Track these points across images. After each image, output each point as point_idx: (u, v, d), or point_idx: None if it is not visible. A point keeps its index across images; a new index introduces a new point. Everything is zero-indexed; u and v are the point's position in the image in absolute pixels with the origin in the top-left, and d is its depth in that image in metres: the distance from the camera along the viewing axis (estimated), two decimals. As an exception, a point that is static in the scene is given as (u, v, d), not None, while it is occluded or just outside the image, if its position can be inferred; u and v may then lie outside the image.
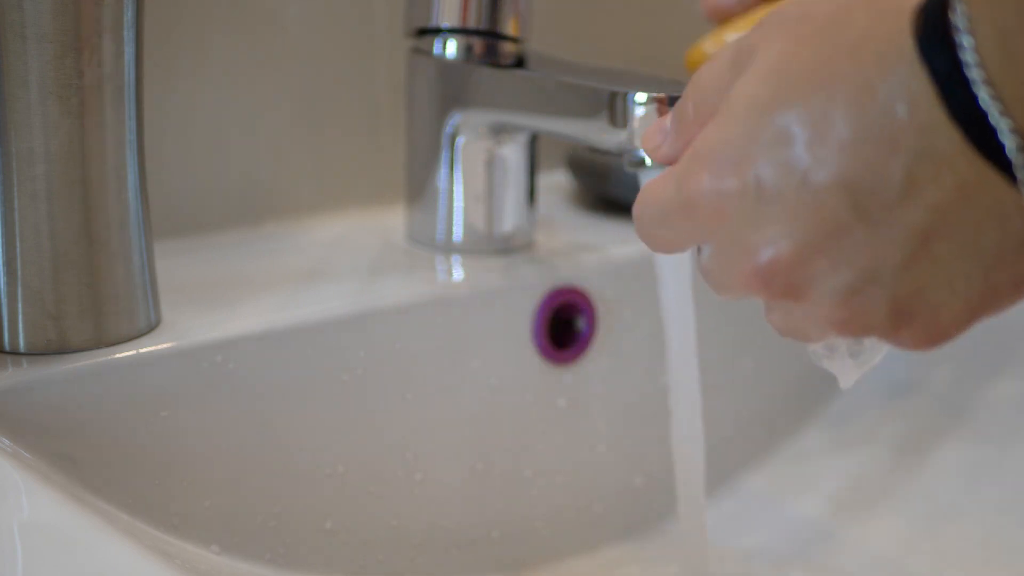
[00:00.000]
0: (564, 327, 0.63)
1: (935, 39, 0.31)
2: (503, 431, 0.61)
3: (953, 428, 0.66)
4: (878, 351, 0.39)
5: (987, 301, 0.33)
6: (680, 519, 0.56)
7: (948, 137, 0.31)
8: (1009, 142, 0.30)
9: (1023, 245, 0.32)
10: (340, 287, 0.59)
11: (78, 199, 0.49)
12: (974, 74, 0.30)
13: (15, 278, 0.49)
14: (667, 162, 0.40)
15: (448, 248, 0.63)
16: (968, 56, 0.30)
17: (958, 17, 0.30)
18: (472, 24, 0.60)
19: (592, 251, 0.64)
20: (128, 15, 0.49)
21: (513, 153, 0.62)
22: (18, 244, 0.49)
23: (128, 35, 0.49)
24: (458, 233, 0.63)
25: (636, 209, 0.39)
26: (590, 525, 0.64)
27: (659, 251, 0.40)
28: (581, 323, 0.63)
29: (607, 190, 0.70)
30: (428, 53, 0.61)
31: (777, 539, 0.64)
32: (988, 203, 0.31)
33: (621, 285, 0.63)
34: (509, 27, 0.60)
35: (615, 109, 0.54)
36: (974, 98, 0.30)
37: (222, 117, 0.65)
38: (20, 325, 0.49)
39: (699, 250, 0.38)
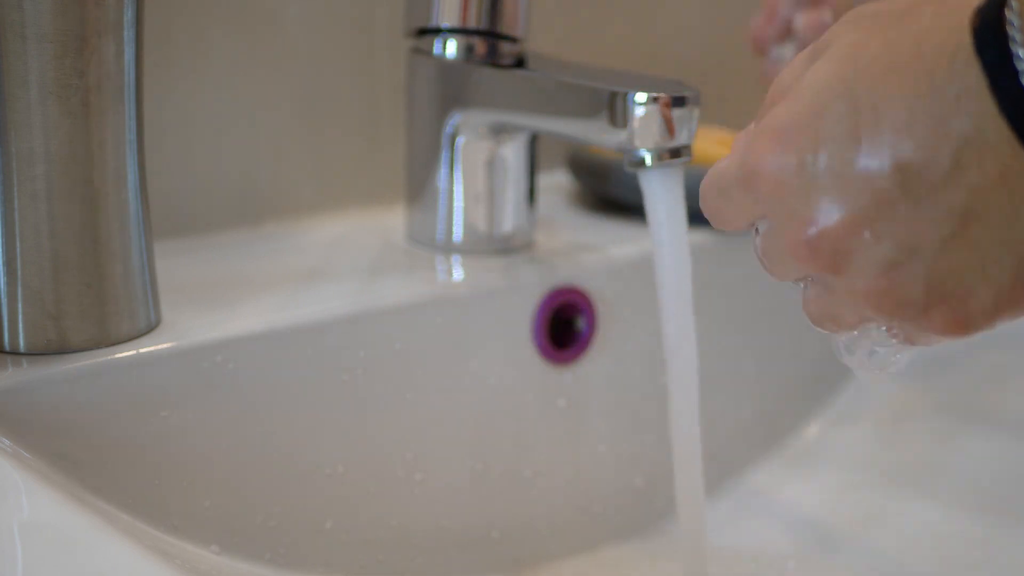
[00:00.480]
0: (564, 327, 0.63)
1: (989, 34, 0.33)
2: (503, 431, 0.61)
3: (955, 428, 0.66)
4: (902, 352, 0.40)
5: (1016, 293, 0.35)
6: (680, 519, 0.56)
7: (995, 126, 0.33)
8: None
9: None
10: (340, 287, 0.59)
11: (78, 199, 0.49)
12: (1023, 67, 0.33)
13: (15, 278, 0.49)
14: None
15: (448, 248, 0.63)
16: (1018, 50, 0.33)
17: (1012, 14, 0.33)
18: (472, 24, 0.60)
19: (592, 251, 0.64)
20: (128, 15, 0.49)
21: (513, 153, 0.62)
22: (18, 244, 0.49)
23: (128, 35, 0.49)
24: (458, 233, 0.63)
25: (703, 184, 0.41)
26: (590, 525, 0.64)
27: (719, 226, 0.41)
28: (581, 323, 0.63)
29: (607, 190, 0.70)
30: (428, 53, 0.61)
31: (777, 539, 0.64)
32: None
33: (621, 285, 0.63)
34: (509, 27, 0.60)
35: (615, 109, 0.54)
36: (1022, 89, 0.33)
37: (222, 117, 0.65)
38: (20, 325, 0.49)
39: (756, 232, 0.40)
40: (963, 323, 0.36)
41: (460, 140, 0.61)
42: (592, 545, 0.63)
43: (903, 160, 0.34)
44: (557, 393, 0.62)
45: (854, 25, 0.37)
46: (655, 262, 0.54)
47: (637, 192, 0.55)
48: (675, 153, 0.54)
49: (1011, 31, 0.33)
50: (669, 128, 0.54)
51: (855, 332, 0.40)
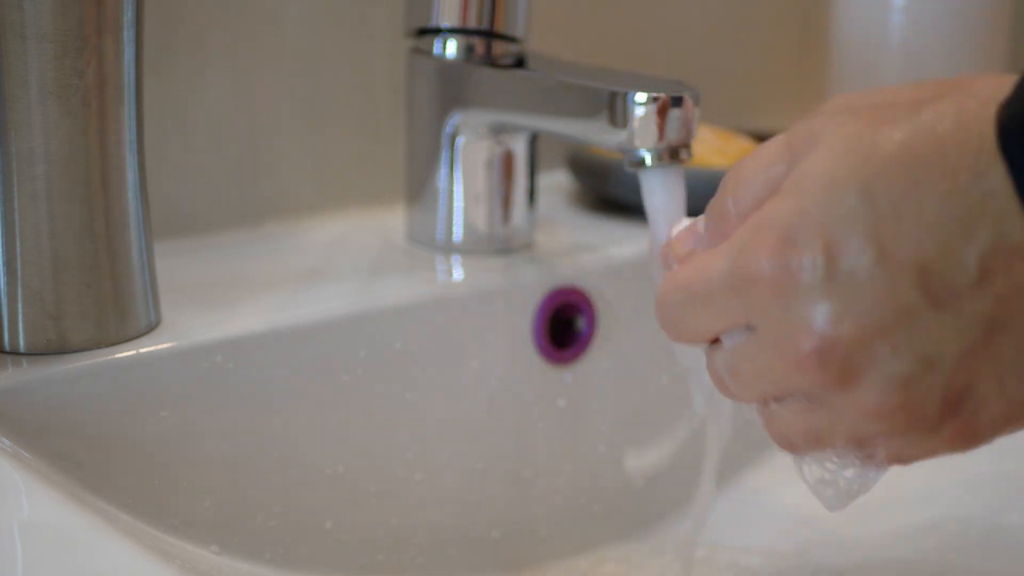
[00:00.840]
0: (564, 327, 0.63)
1: (1016, 133, 0.31)
2: (503, 431, 0.61)
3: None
4: (871, 479, 0.37)
5: None
6: (696, 511, 0.56)
7: (1022, 229, 0.31)
8: None
9: None
10: (340, 287, 0.59)
11: (78, 199, 0.49)
12: None
13: (15, 278, 0.49)
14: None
15: (448, 248, 0.63)
16: None
17: None
18: (472, 24, 0.60)
19: (592, 251, 0.64)
20: (128, 15, 0.49)
21: (513, 153, 0.62)
22: (18, 244, 0.49)
23: (128, 35, 0.49)
24: (458, 233, 0.63)
25: (664, 292, 0.38)
26: (590, 525, 0.64)
27: (683, 339, 0.38)
28: (581, 323, 0.63)
29: (607, 190, 0.70)
30: (428, 53, 0.61)
31: (777, 538, 0.64)
32: None
33: (621, 285, 0.63)
34: (509, 27, 0.60)
35: (615, 109, 0.54)
36: None
37: (222, 118, 0.65)
38: (20, 325, 0.49)
39: (710, 346, 0.37)
40: (971, 437, 0.34)
41: (460, 140, 0.61)
42: (592, 545, 0.63)
43: (927, 264, 0.32)
44: (557, 393, 0.62)
45: (848, 116, 0.34)
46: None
47: (637, 192, 0.55)
48: (675, 153, 0.54)
49: None
50: (669, 128, 0.54)
51: (829, 450, 0.36)
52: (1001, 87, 0.32)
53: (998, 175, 0.31)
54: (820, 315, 0.33)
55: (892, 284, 0.32)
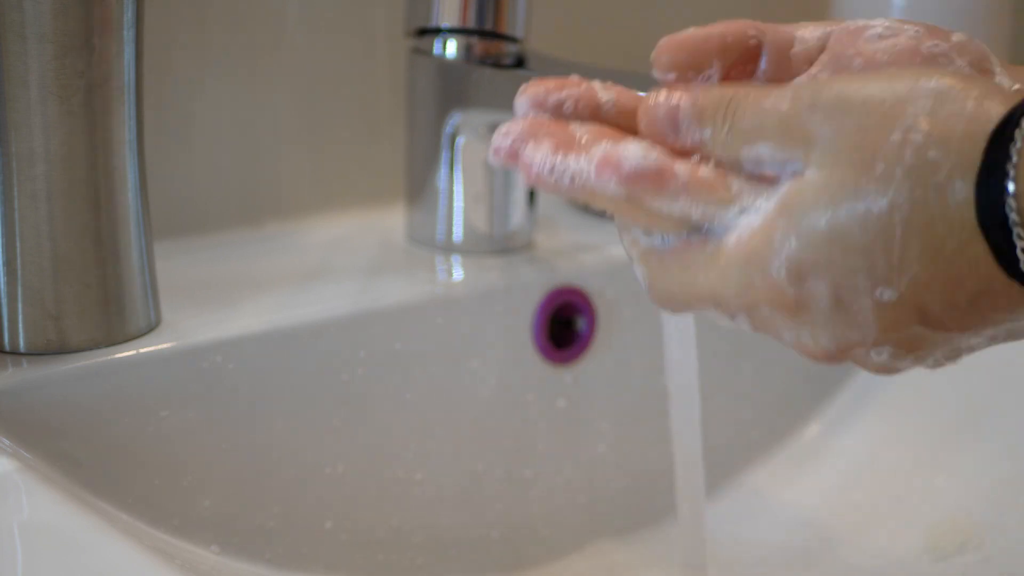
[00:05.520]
0: (564, 327, 0.63)
1: (995, 220, 0.35)
2: (503, 431, 0.61)
3: (952, 429, 0.66)
4: None
5: None
6: (680, 519, 0.56)
7: (1002, 283, 0.36)
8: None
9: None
10: (340, 287, 0.59)
11: (78, 199, 0.49)
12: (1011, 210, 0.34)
13: (15, 278, 0.49)
14: None
15: (448, 248, 0.63)
16: (1020, 243, 0.35)
17: (1013, 212, 0.34)
18: (472, 24, 0.60)
19: (592, 251, 0.64)
20: (128, 15, 0.49)
21: (513, 153, 0.62)
22: (18, 244, 0.49)
23: (128, 35, 0.49)
24: (458, 233, 0.63)
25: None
26: (590, 525, 0.64)
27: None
28: (581, 323, 0.63)
29: (607, 190, 0.70)
30: (428, 53, 0.61)
31: (777, 539, 0.64)
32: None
33: (621, 285, 0.63)
34: (509, 27, 0.60)
35: (615, 109, 0.54)
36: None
37: (222, 117, 0.65)
38: (20, 325, 0.49)
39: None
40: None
41: (460, 140, 0.61)
42: (592, 545, 0.63)
43: (926, 308, 0.37)
44: (557, 393, 0.62)
45: (846, 151, 0.37)
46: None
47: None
48: (675, 153, 0.54)
49: (1016, 229, 0.34)
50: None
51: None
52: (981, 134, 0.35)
53: (983, 249, 0.35)
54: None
55: (896, 317, 0.37)
